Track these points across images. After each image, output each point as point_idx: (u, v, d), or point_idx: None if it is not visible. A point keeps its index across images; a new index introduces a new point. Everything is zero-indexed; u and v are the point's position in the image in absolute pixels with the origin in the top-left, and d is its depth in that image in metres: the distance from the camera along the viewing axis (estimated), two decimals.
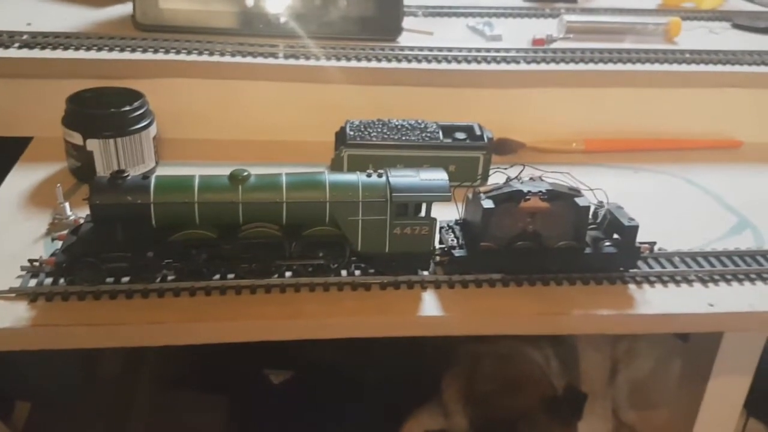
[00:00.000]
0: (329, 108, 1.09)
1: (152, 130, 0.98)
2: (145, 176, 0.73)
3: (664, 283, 0.83)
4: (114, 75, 1.04)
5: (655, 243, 0.85)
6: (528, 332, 0.80)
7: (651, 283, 0.83)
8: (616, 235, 0.82)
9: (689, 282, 0.84)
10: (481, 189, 0.80)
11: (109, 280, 0.75)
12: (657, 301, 0.81)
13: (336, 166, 1.00)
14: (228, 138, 1.11)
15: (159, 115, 1.03)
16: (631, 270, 0.83)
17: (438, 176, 0.77)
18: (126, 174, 0.72)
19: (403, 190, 0.75)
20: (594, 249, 0.81)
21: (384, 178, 0.76)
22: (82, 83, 0.99)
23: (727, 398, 1.01)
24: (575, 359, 1.34)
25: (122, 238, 0.72)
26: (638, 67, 1.19)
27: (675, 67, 1.20)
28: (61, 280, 0.75)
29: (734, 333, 0.92)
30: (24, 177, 0.97)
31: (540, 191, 0.78)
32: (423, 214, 0.77)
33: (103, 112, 0.93)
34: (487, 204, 0.77)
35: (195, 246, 0.74)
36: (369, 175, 0.76)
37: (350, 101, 1.11)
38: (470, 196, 0.81)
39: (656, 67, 1.19)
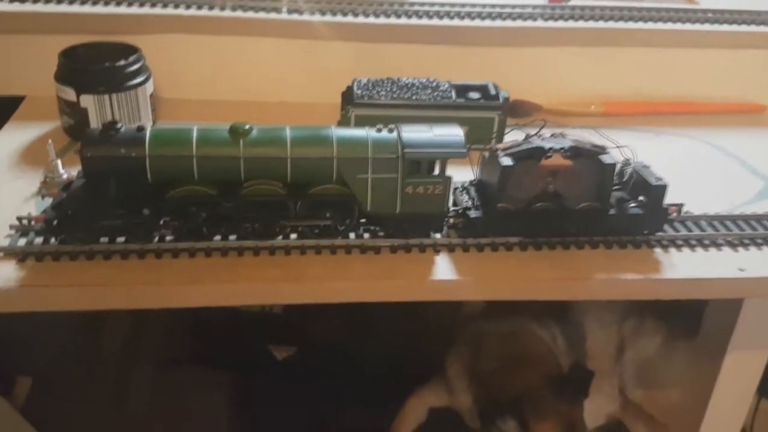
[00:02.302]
0: (336, 67, 1.04)
1: (149, 87, 0.93)
2: (140, 128, 0.68)
3: (692, 247, 0.79)
4: (110, 30, 0.99)
5: (682, 205, 0.80)
6: (546, 297, 0.76)
7: (678, 247, 0.79)
8: (641, 197, 0.77)
9: (718, 246, 0.79)
10: (499, 146, 0.75)
11: (104, 239, 0.70)
12: (684, 266, 0.76)
13: (343, 126, 0.95)
14: (229, 99, 1.06)
15: (157, 74, 0.98)
16: (657, 233, 0.78)
17: (453, 132, 0.72)
18: (120, 125, 0.68)
19: (416, 146, 0.70)
20: (618, 210, 0.76)
21: (395, 134, 0.71)
22: (76, 39, 0.94)
23: (743, 374, 0.96)
24: (582, 337, 1.30)
25: (116, 194, 0.67)
26: (659, 26, 1.13)
27: (697, 26, 1.14)
28: (53, 240, 0.71)
29: (753, 302, 0.88)
30: (15, 136, 0.93)
31: (562, 148, 0.73)
32: (437, 172, 0.71)
33: (98, 66, 0.88)
34: (506, 161, 0.72)
35: (194, 204, 0.69)
36: (379, 131, 0.71)
37: (358, 60, 1.06)
38: (487, 154, 0.76)
39: (677, 26, 1.13)
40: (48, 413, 1.16)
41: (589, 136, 0.78)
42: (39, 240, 0.71)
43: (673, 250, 0.78)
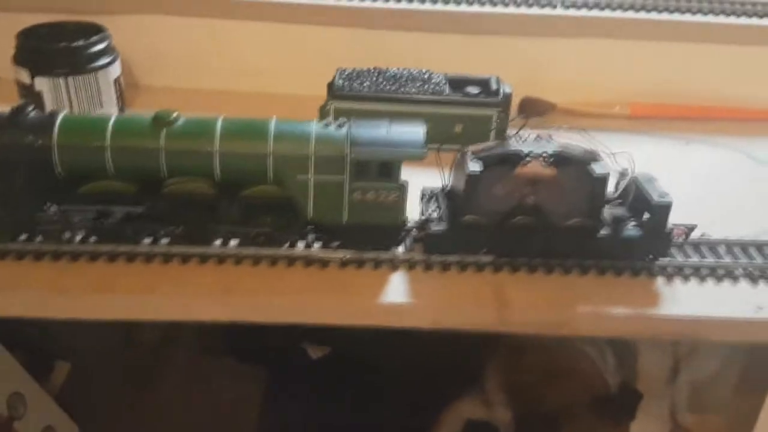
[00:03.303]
0: (325, 54, 0.94)
1: (113, 70, 0.86)
2: (52, 113, 0.60)
3: (702, 277, 0.66)
4: (80, 9, 0.92)
5: (694, 227, 0.67)
6: (518, 330, 0.64)
7: (685, 277, 0.66)
8: (645, 215, 0.65)
9: (734, 278, 0.66)
10: (470, 148, 0.64)
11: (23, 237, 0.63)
12: (689, 300, 0.63)
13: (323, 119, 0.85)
14: (208, 87, 0.98)
15: (130, 58, 0.92)
16: (661, 259, 0.66)
17: (412, 130, 0.61)
18: (31, 109, 0.60)
19: (365, 144, 0.60)
20: (613, 230, 0.64)
21: (344, 130, 0.61)
22: (45, 18, 0.88)
23: None
24: (633, 356, 1.22)
25: (22, 187, 0.60)
26: (699, 18, 0.99)
27: (743, 20, 0.99)
28: None
29: None
30: None
31: (544, 153, 0.61)
32: (391, 176, 0.61)
33: (54, 46, 0.82)
34: (473, 167, 0.61)
35: (110, 201, 0.61)
36: (327, 125, 0.61)
37: (350, 47, 0.96)
38: (458, 157, 0.65)
39: (721, 19, 0.99)
40: (83, 399, 1.15)
41: (582, 141, 0.65)
42: None
43: (678, 281, 0.65)
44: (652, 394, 1.17)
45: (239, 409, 1.27)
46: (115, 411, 1.17)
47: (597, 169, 0.61)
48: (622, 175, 0.65)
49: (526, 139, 0.63)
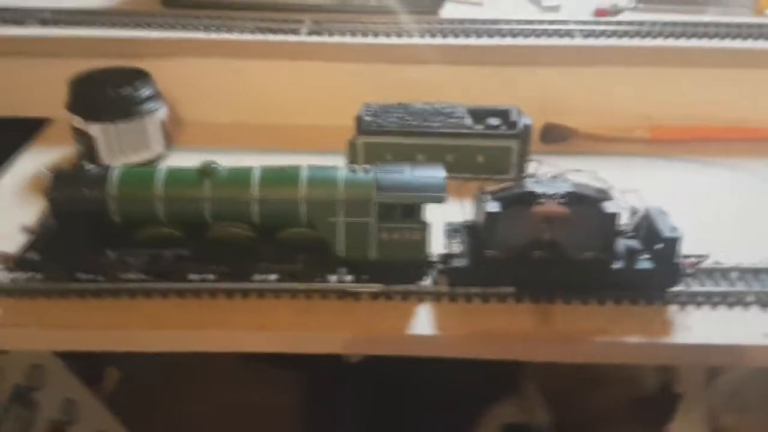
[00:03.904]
0: (354, 89, 0.99)
1: (159, 113, 0.93)
2: (107, 167, 0.67)
3: (714, 305, 0.69)
4: (130, 54, 0.99)
5: (705, 257, 0.70)
6: (541, 359, 0.68)
7: (698, 305, 0.69)
8: (657, 246, 0.69)
9: (745, 305, 0.69)
10: (488, 189, 0.68)
11: (83, 277, 0.70)
12: (700, 328, 0.67)
13: (351, 154, 0.91)
14: (247, 121, 1.04)
15: (176, 97, 0.98)
16: (673, 288, 0.69)
17: (433, 174, 0.66)
18: (88, 166, 0.67)
19: (390, 189, 0.65)
20: (627, 262, 0.68)
21: (370, 175, 0.66)
22: (98, 63, 0.95)
23: None
24: None
25: (85, 234, 0.66)
26: (720, 43, 1.01)
27: (763, 44, 1.01)
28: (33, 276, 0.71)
29: None
30: (33, 160, 0.95)
31: (557, 193, 0.65)
32: (414, 217, 0.66)
33: (103, 94, 0.88)
34: (492, 207, 0.65)
35: (162, 245, 0.67)
36: (353, 171, 0.67)
37: (378, 82, 1.01)
38: (478, 195, 0.70)
39: (742, 43, 1.01)
40: (132, 405, 1.20)
41: (596, 180, 0.69)
42: (22, 276, 0.71)
43: (691, 308, 0.69)
44: (690, 395, 1.17)
45: (279, 415, 1.30)
46: (162, 416, 1.20)
47: (608, 207, 0.65)
48: (634, 210, 0.69)
49: (541, 180, 0.68)
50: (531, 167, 0.69)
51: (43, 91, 1.03)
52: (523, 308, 0.69)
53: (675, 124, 1.02)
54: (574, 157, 0.91)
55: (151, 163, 0.92)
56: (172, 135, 0.97)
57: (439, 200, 0.65)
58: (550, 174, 0.69)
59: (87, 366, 1.18)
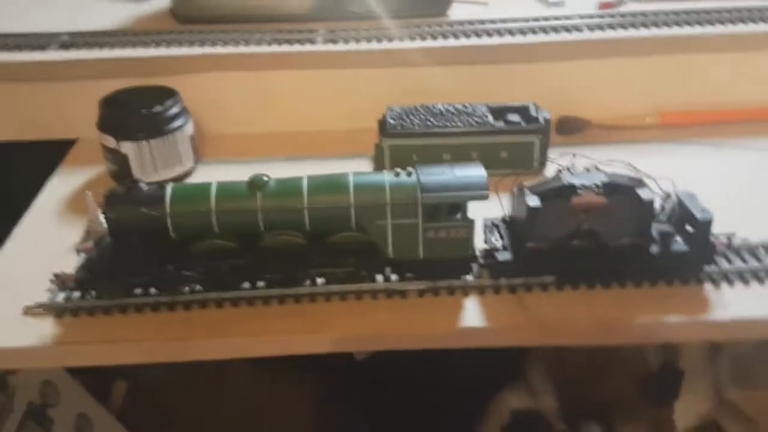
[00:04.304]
0: (374, 94, 1.02)
1: (188, 129, 0.95)
2: (161, 185, 0.69)
3: (746, 281, 0.73)
4: (152, 72, 1.01)
5: (734, 234, 0.74)
6: (587, 343, 0.71)
7: (730, 282, 0.73)
8: (688, 227, 0.72)
9: None
10: (527, 183, 0.71)
11: (138, 291, 0.72)
12: (737, 304, 0.70)
13: (378, 157, 0.94)
14: (271, 130, 1.06)
15: (199, 111, 1.00)
16: (706, 268, 0.73)
17: (474, 172, 0.69)
18: (140, 184, 0.69)
19: (435, 190, 0.67)
20: (662, 246, 0.71)
21: (414, 177, 0.69)
22: (120, 82, 0.97)
23: None
24: None
25: (142, 250, 0.68)
26: (723, 29, 1.05)
27: (762, 26, 1.04)
28: (89, 294, 0.73)
29: None
30: (65, 182, 0.97)
31: (594, 184, 0.69)
32: (459, 215, 0.69)
33: (134, 113, 0.90)
34: (533, 202, 0.68)
35: (216, 256, 0.69)
36: (397, 174, 0.69)
37: (395, 85, 1.04)
38: (516, 190, 0.73)
39: (745, 27, 1.05)
40: (143, 416, 1.21)
41: (625, 168, 0.72)
42: (77, 294, 0.73)
43: (725, 286, 0.72)
44: (694, 371, 1.18)
45: (291, 419, 1.31)
46: (171, 427, 1.22)
47: (643, 194, 0.69)
48: (666, 195, 0.72)
49: (576, 172, 0.71)
50: (566, 160, 0.72)
51: (68, 113, 1.05)
52: (565, 296, 0.73)
53: (683, 110, 1.06)
54: (590, 147, 0.94)
55: (182, 178, 0.94)
56: (199, 149, 0.99)
57: (482, 197, 0.67)
58: (584, 166, 0.72)
59: (96, 380, 1.19)
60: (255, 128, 1.06)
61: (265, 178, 0.69)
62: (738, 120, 1.04)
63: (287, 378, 1.34)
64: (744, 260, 0.75)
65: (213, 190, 0.68)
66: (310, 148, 1.02)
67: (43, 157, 1.04)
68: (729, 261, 0.75)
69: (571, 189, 0.68)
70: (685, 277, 0.73)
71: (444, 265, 0.71)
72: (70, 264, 0.78)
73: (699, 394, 1.22)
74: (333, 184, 0.68)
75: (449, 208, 0.68)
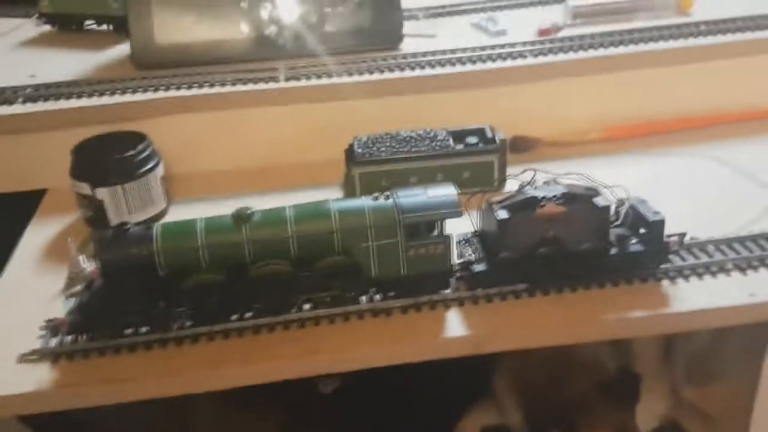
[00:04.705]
0: (337, 125, 1.06)
1: (159, 171, 0.97)
2: (148, 225, 0.72)
3: (699, 275, 0.79)
4: (119, 119, 1.04)
5: (685, 234, 0.80)
6: (562, 342, 0.77)
7: (685, 278, 0.79)
8: (642, 230, 0.78)
9: (726, 272, 0.79)
10: (493, 199, 0.77)
11: (129, 331, 0.74)
12: (694, 297, 0.77)
13: (348, 185, 0.98)
14: (238, 167, 1.10)
15: (167, 153, 1.02)
16: (662, 266, 0.79)
17: (447, 192, 0.74)
18: (128, 226, 0.71)
19: (413, 210, 0.72)
20: (620, 248, 0.77)
21: (392, 200, 0.73)
22: (88, 131, 0.99)
23: None
24: (627, 340, 1.30)
25: (132, 290, 0.71)
26: (653, 46, 1.13)
27: (692, 41, 1.14)
28: (81, 337, 0.74)
29: None
30: (40, 232, 0.97)
31: (555, 195, 0.75)
32: (436, 232, 0.74)
33: (108, 159, 0.93)
34: (502, 215, 0.74)
35: (206, 290, 0.72)
36: (376, 198, 0.74)
37: (357, 116, 1.09)
38: (484, 206, 0.78)
39: (672, 44, 1.13)
40: None
41: (581, 180, 0.79)
42: (69, 338, 0.75)
43: (680, 281, 0.79)
44: (650, 373, 1.23)
45: None
46: None
47: (599, 201, 0.75)
48: (620, 202, 0.79)
49: (537, 186, 0.77)
50: (526, 176, 0.78)
51: (35, 163, 1.06)
52: (537, 301, 0.78)
53: (624, 123, 1.14)
54: (543, 163, 1.00)
55: (156, 219, 0.97)
56: (169, 190, 1.01)
57: (456, 215, 0.72)
58: (543, 180, 0.78)
59: None
60: (223, 166, 1.09)
61: (249, 211, 0.72)
62: (675, 129, 1.13)
63: (253, 415, 1.33)
64: (696, 257, 0.81)
65: (199, 226, 0.71)
66: (279, 182, 1.06)
67: (12, 209, 1.05)
68: (683, 259, 0.81)
69: (535, 201, 0.74)
70: (643, 276, 0.79)
71: (425, 280, 0.75)
72: (57, 310, 0.79)
73: (657, 395, 1.27)
74: (317, 211, 0.73)
75: (427, 226, 0.73)
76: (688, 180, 1.01)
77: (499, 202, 0.76)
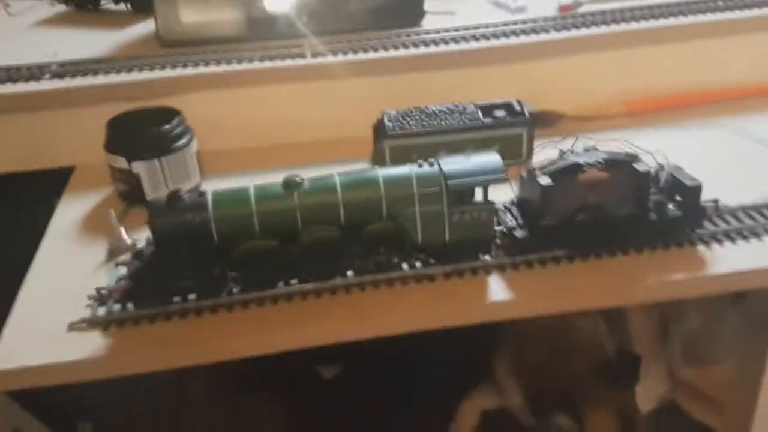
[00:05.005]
0: (362, 102, 1.08)
1: (193, 146, 0.98)
2: (200, 193, 0.73)
3: (732, 240, 0.81)
4: (147, 95, 1.04)
5: (718, 200, 0.83)
6: (601, 306, 0.79)
7: (719, 242, 0.81)
8: (678, 197, 0.80)
9: (758, 236, 0.82)
10: (535, 165, 0.78)
11: (178, 299, 0.75)
12: (729, 260, 0.79)
13: (377, 159, 0.99)
14: (266, 144, 1.10)
15: (199, 130, 1.03)
16: (697, 231, 0.81)
17: (490, 158, 0.76)
18: (181, 193, 0.72)
19: (458, 176, 0.74)
20: (658, 214, 0.79)
21: (436, 167, 0.75)
22: (116, 107, 0.99)
23: None
24: (624, 321, 1.32)
25: (187, 257, 0.72)
26: (675, 21, 1.15)
27: (717, 16, 1.15)
28: (129, 306, 0.75)
29: None
30: (73, 207, 0.98)
31: (597, 161, 0.76)
32: (480, 198, 0.75)
33: (145, 132, 0.93)
34: (545, 181, 0.75)
35: (257, 256, 0.73)
36: (420, 165, 0.75)
37: (382, 93, 1.10)
38: (524, 174, 0.80)
39: (695, 18, 1.15)
40: None
41: (621, 146, 0.81)
42: (117, 307, 0.76)
43: (715, 246, 0.81)
44: (649, 355, 1.26)
45: None
46: None
47: (640, 167, 0.77)
48: (659, 168, 0.81)
49: (578, 153, 0.78)
50: (569, 143, 0.79)
51: (63, 140, 1.06)
52: (576, 266, 0.80)
53: (646, 98, 1.16)
54: (564, 139, 1.02)
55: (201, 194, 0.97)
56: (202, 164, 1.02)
57: (502, 180, 0.74)
58: (582, 147, 0.80)
59: (61, 423, 1.21)
60: (254, 143, 1.10)
61: (298, 179, 0.73)
62: (697, 103, 1.15)
63: (254, 402, 1.35)
64: (727, 222, 0.83)
65: (252, 193, 0.72)
66: (307, 157, 1.06)
67: (41, 186, 1.05)
68: (715, 225, 0.83)
69: (578, 166, 0.76)
70: (680, 241, 0.81)
71: (468, 246, 0.77)
72: (102, 280, 0.80)
73: (655, 376, 1.30)
74: (364, 179, 0.74)
75: (472, 193, 0.74)
76: (711, 151, 1.03)
77: (541, 168, 0.77)
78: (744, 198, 0.87)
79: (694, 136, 1.07)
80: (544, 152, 0.87)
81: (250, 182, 0.75)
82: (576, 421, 1.19)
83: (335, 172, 0.76)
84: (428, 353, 1.29)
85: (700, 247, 0.81)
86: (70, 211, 0.97)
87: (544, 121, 1.12)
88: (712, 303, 1.28)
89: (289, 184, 0.72)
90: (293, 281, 0.77)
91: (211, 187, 0.98)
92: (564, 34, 1.14)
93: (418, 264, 0.79)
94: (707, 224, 0.83)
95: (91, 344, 0.72)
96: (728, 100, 1.15)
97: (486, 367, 1.31)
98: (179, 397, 1.31)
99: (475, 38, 1.13)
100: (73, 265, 0.85)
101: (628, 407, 1.22)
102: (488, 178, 0.74)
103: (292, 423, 1.34)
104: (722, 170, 0.96)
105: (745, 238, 0.81)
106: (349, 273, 0.78)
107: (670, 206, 0.80)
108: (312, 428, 1.34)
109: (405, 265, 0.79)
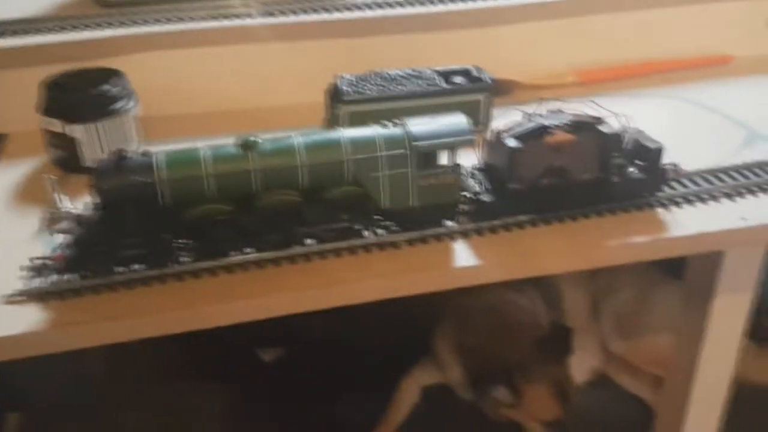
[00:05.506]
0: (316, 66, 1.03)
1: (135, 109, 0.92)
2: (146, 153, 0.68)
3: (691, 203, 0.82)
4: (86, 56, 0.97)
5: (677, 163, 0.83)
6: (564, 270, 0.78)
7: (678, 205, 0.82)
8: (637, 161, 0.80)
9: (716, 199, 0.82)
10: (501, 128, 0.76)
11: (124, 270, 0.70)
12: (689, 222, 0.79)
13: (333, 126, 0.95)
14: (213, 110, 1.05)
15: (141, 93, 0.97)
16: (657, 194, 0.81)
17: (457, 120, 0.73)
18: (128, 154, 0.67)
19: (425, 138, 0.71)
20: (621, 177, 0.79)
21: (402, 129, 0.72)
22: (52, 69, 0.92)
23: (730, 318, 0.99)
24: (558, 299, 1.35)
25: (134, 222, 0.67)
26: None
27: None
28: (70, 276, 0.70)
29: (734, 253, 0.90)
30: (5, 176, 0.90)
31: (564, 123, 0.75)
32: (447, 161, 0.73)
33: (83, 94, 0.87)
34: (513, 143, 0.74)
35: (210, 222, 0.69)
36: (385, 126, 0.72)
37: (336, 57, 1.06)
38: (490, 137, 0.78)
39: None
40: None
41: (585, 108, 0.79)
42: (56, 278, 0.70)
43: (675, 209, 0.81)
44: (581, 329, 1.30)
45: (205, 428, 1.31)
46: None
47: (607, 129, 0.76)
48: (624, 131, 0.80)
49: (544, 115, 0.77)
50: (533, 107, 0.77)
51: None
52: (540, 231, 0.78)
53: (599, 67, 1.16)
54: (521, 106, 1.01)
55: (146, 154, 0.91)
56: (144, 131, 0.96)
57: (469, 142, 0.72)
58: (547, 109, 0.78)
59: None
60: (199, 107, 1.04)
61: (255, 139, 0.69)
62: (647, 72, 1.15)
63: (192, 388, 1.33)
64: (685, 186, 0.84)
65: (204, 153, 0.68)
66: (258, 124, 1.01)
67: None
68: (672, 188, 0.83)
69: (544, 128, 0.74)
70: (639, 204, 0.81)
71: (434, 211, 0.74)
72: (35, 252, 0.74)
73: (588, 349, 1.34)
74: (327, 141, 0.70)
75: (439, 155, 0.72)
76: (664, 118, 1.04)
77: (507, 131, 0.75)
78: (699, 164, 0.88)
79: (647, 104, 1.08)
80: (502, 120, 0.85)
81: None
82: (514, 394, 1.22)
83: (295, 132, 0.72)
84: (368, 333, 1.29)
85: (660, 211, 0.81)
86: (2, 180, 0.90)
87: (499, 89, 1.11)
88: (641, 280, 1.32)
89: (246, 144, 0.68)
90: (249, 249, 0.73)
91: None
92: (515, 1, 1.12)
93: (381, 231, 0.76)
94: (667, 188, 0.83)
95: (30, 318, 0.66)
96: (678, 69, 1.16)
97: (426, 345, 1.32)
98: (112, 384, 1.28)
99: (421, 2, 1.10)
100: (4, 236, 0.78)
101: (562, 379, 1.25)
102: (457, 140, 0.71)
103: (234, 408, 1.32)
104: (676, 137, 0.96)
105: (703, 201, 0.82)
106: (310, 241, 0.74)
107: (631, 169, 0.79)
108: (254, 412, 1.32)
109: (367, 233, 0.76)
